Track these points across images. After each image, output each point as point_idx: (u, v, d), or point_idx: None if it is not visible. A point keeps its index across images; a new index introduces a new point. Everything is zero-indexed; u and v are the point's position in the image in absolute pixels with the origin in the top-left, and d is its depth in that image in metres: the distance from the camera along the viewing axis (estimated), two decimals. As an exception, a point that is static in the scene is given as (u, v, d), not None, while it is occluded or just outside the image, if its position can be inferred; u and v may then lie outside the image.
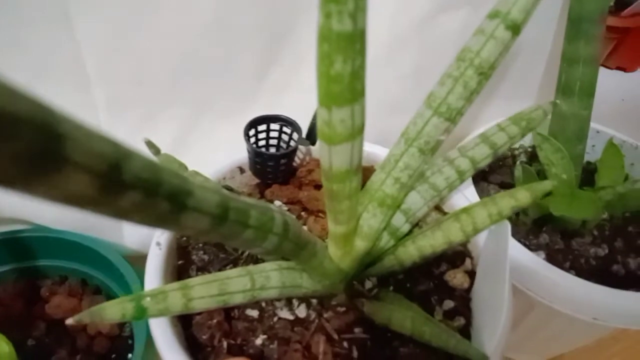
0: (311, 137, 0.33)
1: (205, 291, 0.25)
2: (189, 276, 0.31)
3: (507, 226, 0.29)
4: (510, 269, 0.26)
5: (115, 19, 0.31)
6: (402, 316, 0.27)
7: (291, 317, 0.29)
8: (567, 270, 0.36)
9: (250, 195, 0.37)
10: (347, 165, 0.20)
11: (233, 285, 0.26)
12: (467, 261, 0.33)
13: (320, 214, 0.35)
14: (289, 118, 0.35)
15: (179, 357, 0.25)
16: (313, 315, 0.29)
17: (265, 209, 0.20)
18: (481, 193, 0.41)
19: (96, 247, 0.37)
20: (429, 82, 0.27)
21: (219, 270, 0.31)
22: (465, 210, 0.30)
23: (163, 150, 0.30)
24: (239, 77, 0.37)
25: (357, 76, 0.17)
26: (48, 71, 0.33)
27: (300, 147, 0.35)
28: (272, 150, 0.37)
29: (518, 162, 0.40)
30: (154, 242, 0.30)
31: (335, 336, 0.28)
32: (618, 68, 0.89)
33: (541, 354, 0.45)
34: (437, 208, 0.34)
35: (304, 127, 0.34)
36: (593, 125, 0.43)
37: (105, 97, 0.34)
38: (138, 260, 0.34)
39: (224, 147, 0.36)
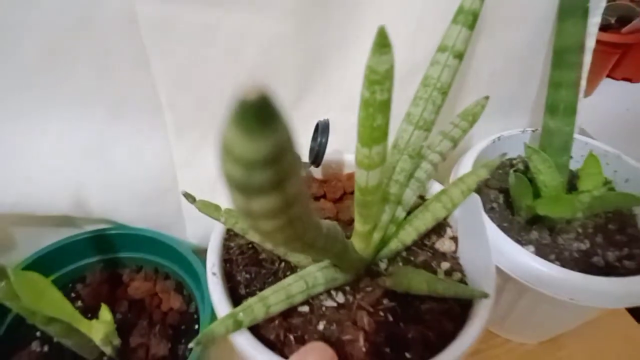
0: (316, 161, 0.40)
1: (276, 298, 0.32)
2: (240, 294, 0.37)
3: (477, 197, 0.38)
4: (504, 261, 0.37)
5: (182, 59, 0.39)
6: (418, 281, 0.36)
7: (334, 304, 0.36)
8: (553, 261, 0.42)
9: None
10: (378, 182, 0.28)
11: (294, 289, 0.33)
12: (448, 230, 0.42)
13: (328, 220, 0.43)
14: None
15: (263, 351, 0.31)
16: (351, 298, 0.36)
17: (332, 225, 0.27)
18: (483, 197, 0.48)
19: (166, 241, 0.47)
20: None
21: (264, 282, 0.38)
22: (444, 192, 0.39)
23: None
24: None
25: (387, 124, 0.25)
26: (129, 102, 0.42)
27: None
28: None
29: (511, 171, 0.46)
30: (209, 272, 0.36)
31: (372, 310, 0.36)
32: (624, 79, 0.95)
33: (535, 336, 0.52)
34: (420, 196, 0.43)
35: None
36: (582, 138, 0.51)
37: (174, 121, 0.43)
38: (199, 252, 0.43)
39: None
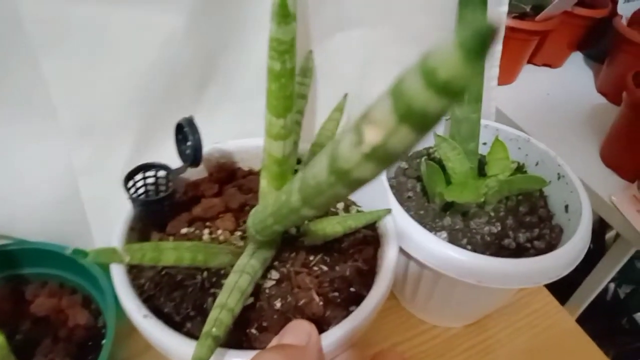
0: (196, 161, 0.38)
1: (234, 299, 0.30)
2: (176, 322, 0.34)
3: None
4: (417, 249, 0.39)
5: (74, 60, 0.38)
6: (332, 226, 0.37)
7: (274, 282, 0.36)
8: (464, 246, 0.42)
9: (161, 238, 0.39)
10: (291, 148, 0.30)
11: (243, 283, 0.32)
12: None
13: (221, 215, 0.41)
14: (154, 163, 0.38)
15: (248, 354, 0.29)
16: (284, 270, 0.37)
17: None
18: (399, 186, 0.49)
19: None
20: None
21: (194, 300, 0.35)
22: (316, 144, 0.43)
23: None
24: (179, 103, 0.44)
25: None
26: (24, 109, 0.39)
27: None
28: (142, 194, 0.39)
29: (423, 159, 0.47)
30: (140, 317, 0.31)
31: (307, 270, 0.37)
32: (544, 64, 0.97)
33: (459, 320, 0.52)
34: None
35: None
36: (493, 124, 0.52)
37: (70, 126, 0.40)
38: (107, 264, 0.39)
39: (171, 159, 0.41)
